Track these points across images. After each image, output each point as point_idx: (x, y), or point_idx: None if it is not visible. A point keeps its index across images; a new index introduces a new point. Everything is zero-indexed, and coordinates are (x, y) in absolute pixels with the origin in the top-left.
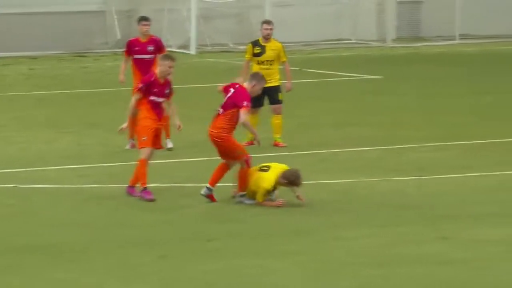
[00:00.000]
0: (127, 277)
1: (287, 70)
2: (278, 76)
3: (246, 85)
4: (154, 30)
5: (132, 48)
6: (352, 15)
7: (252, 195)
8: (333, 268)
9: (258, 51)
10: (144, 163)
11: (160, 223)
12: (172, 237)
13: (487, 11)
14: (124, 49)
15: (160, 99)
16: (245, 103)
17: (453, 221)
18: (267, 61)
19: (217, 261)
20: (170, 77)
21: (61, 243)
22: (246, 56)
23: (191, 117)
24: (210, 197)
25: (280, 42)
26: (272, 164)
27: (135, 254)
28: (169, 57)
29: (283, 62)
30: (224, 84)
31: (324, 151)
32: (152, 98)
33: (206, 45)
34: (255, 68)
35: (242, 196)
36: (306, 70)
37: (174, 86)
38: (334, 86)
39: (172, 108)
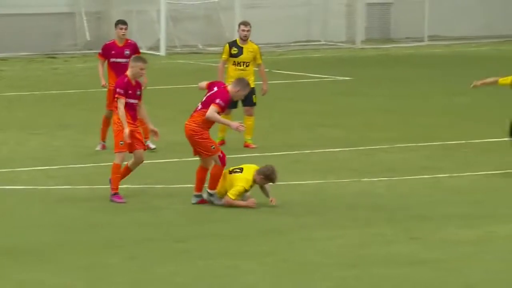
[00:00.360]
0: (95, 278)
1: (262, 72)
2: (252, 78)
3: (230, 88)
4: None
5: (109, 51)
6: (321, 17)
7: (221, 194)
8: (305, 269)
9: (235, 52)
10: (117, 167)
11: (131, 224)
12: (142, 238)
13: (455, 13)
14: (99, 52)
15: (134, 101)
16: (217, 101)
17: (424, 222)
18: (244, 62)
19: (187, 262)
20: (142, 79)
21: (30, 244)
22: (223, 56)
23: (161, 118)
24: (202, 202)
25: (256, 44)
26: (243, 166)
27: (104, 255)
28: (141, 58)
29: (259, 64)
30: (209, 81)
31: (295, 152)
32: (126, 100)
33: (176, 47)
34: (231, 69)
35: (212, 195)
36: (276, 71)
37: (146, 88)
38: (304, 88)
39: (143, 111)
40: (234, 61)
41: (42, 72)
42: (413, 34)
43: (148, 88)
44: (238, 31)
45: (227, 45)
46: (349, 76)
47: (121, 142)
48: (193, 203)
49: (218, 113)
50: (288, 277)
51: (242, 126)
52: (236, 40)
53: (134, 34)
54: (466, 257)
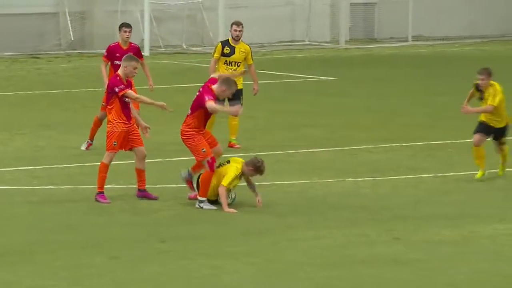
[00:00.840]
0: (77, 279)
1: (253, 72)
2: (241, 79)
3: (215, 87)
4: (106, 32)
5: (113, 54)
6: (305, 17)
7: (215, 190)
8: (288, 270)
9: (227, 51)
10: (104, 167)
11: (114, 224)
12: (126, 239)
13: (439, 13)
14: (104, 54)
15: (127, 100)
16: (207, 98)
17: (408, 222)
18: (235, 62)
19: (169, 263)
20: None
21: (13, 244)
22: (215, 55)
23: (145, 119)
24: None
25: (248, 45)
26: (230, 158)
27: (87, 256)
28: (134, 58)
29: (250, 65)
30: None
31: (279, 152)
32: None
33: (160, 47)
34: (222, 68)
35: (201, 202)
36: (260, 71)
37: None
38: (288, 88)
39: (133, 110)
40: (226, 61)
41: (26, 72)
42: (397, 34)
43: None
44: (230, 31)
45: (220, 44)
46: (334, 76)
47: (114, 143)
48: (204, 208)
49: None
50: (272, 277)
51: (241, 108)
52: (228, 40)
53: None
54: (449, 257)
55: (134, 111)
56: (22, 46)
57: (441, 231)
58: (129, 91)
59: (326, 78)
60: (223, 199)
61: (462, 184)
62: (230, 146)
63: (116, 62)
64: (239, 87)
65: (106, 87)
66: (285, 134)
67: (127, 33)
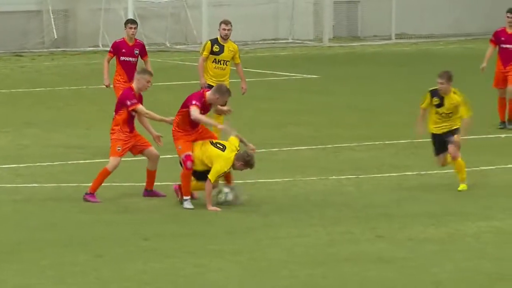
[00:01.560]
0: (61, 277)
1: (241, 71)
2: (228, 77)
3: (208, 93)
4: (90, 30)
5: (119, 49)
6: (289, 15)
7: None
8: (272, 268)
9: (217, 50)
10: (105, 172)
11: (98, 222)
12: (110, 237)
13: (422, 11)
14: (109, 50)
15: (133, 113)
16: (193, 102)
17: (391, 220)
18: (224, 60)
19: (154, 261)
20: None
21: None
22: (204, 53)
23: None
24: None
25: (236, 44)
26: (225, 143)
27: (71, 254)
28: (147, 72)
29: (237, 64)
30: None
31: (262, 150)
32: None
33: None
34: (210, 66)
35: (185, 200)
36: (244, 69)
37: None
38: (272, 86)
39: (146, 121)
40: (215, 59)
41: (9, 70)
42: (380, 32)
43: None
44: (218, 29)
45: (209, 42)
46: (317, 74)
47: (118, 148)
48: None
49: (201, 113)
50: (256, 275)
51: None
52: (217, 38)
53: (102, 32)
54: (434, 255)
55: (146, 122)
56: (5, 44)
57: (425, 229)
58: (140, 107)
59: (309, 76)
60: (207, 196)
61: (445, 182)
62: None
63: (123, 58)
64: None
65: (117, 97)
66: (269, 132)
67: (133, 29)
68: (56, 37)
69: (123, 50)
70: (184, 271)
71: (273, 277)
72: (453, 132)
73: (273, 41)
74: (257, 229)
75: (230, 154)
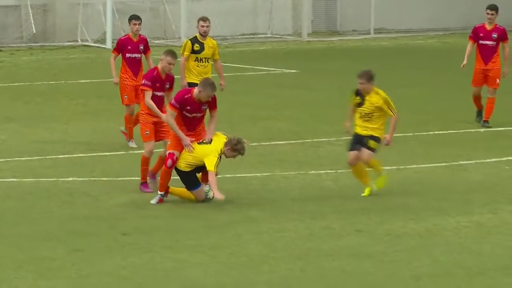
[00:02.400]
0: (39, 272)
1: (220, 68)
2: (210, 74)
3: (195, 91)
4: (69, 25)
5: (124, 46)
6: (267, 10)
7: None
8: (252, 262)
9: (197, 48)
10: (144, 159)
11: (76, 217)
12: (88, 231)
13: (401, 6)
14: (114, 47)
15: (160, 93)
16: (171, 101)
17: (371, 215)
18: (205, 58)
19: (133, 256)
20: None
21: None
22: (185, 53)
23: (110, 111)
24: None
25: (214, 39)
26: (213, 137)
27: (49, 249)
28: (170, 53)
29: (216, 60)
30: None
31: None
32: (153, 93)
33: None
34: (193, 65)
35: (162, 195)
36: (222, 64)
37: (90, 80)
38: (251, 80)
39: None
40: (197, 58)
41: None
42: (359, 27)
43: (94, 81)
44: (197, 27)
45: (189, 41)
46: (296, 69)
47: (146, 132)
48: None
49: (189, 111)
50: (235, 269)
51: (191, 147)
52: (196, 36)
53: (80, 27)
54: (413, 249)
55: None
56: None
57: (405, 223)
58: (147, 92)
59: (288, 70)
60: (214, 186)
61: (424, 177)
62: None
63: (128, 55)
64: None
65: (121, 94)
66: (247, 127)
67: (137, 26)
68: (34, 32)
69: (129, 47)
70: (163, 266)
71: (253, 271)
72: (372, 138)
73: (251, 36)
74: (236, 223)
75: (217, 144)
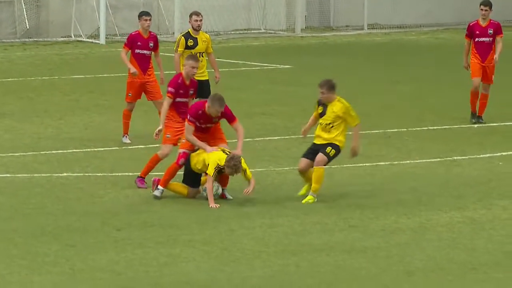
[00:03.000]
0: (33, 267)
1: (214, 61)
2: (205, 68)
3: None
4: (62, 20)
5: (134, 42)
6: (261, 5)
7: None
8: (245, 257)
9: (191, 44)
10: (156, 159)
11: (69, 212)
12: (81, 227)
13: (395, 1)
14: (124, 43)
15: (184, 100)
16: (188, 117)
17: (364, 210)
18: (199, 53)
19: (126, 251)
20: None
21: None
22: (179, 49)
23: (101, 107)
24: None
25: (207, 33)
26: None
27: (42, 244)
28: (192, 57)
29: (209, 53)
30: None
31: (234, 140)
32: (177, 99)
33: (116, 35)
34: None
35: (157, 189)
36: (216, 59)
37: (84, 76)
38: (244, 76)
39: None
40: (191, 53)
41: None
42: (353, 22)
43: (88, 76)
44: (190, 22)
45: (183, 37)
46: (289, 64)
47: (167, 135)
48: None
49: (202, 123)
50: (228, 265)
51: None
52: (189, 32)
53: (73, 22)
54: (406, 245)
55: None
56: None
57: (398, 219)
58: (167, 98)
59: (282, 66)
60: (209, 195)
61: (418, 172)
62: None
63: (138, 51)
64: (204, 78)
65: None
66: (241, 123)
67: (148, 22)
68: (28, 27)
69: (139, 43)
70: (156, 261)
71: (246, 267)
72: (331, 145)
73: (245, 31)
74: (230, 219)
75: (220, 155)
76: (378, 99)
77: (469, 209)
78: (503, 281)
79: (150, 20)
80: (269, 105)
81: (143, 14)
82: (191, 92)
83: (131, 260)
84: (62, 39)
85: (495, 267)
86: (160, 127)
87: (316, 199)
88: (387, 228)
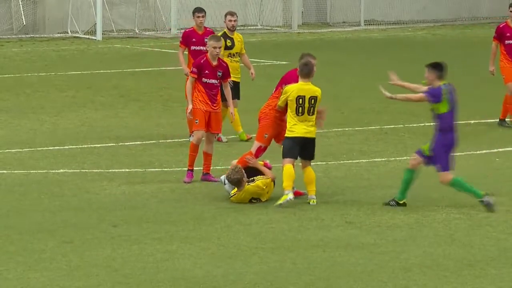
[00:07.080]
0: (29, 263)
1: (247, 60)
2: (239, 73)
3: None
4: (59, 16)
5: (189, 39)
6: (258, 1)
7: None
8: (241, 254)
9: (230, 44)
10: (193, 147)
11: (66, 209)
12: (78, 223)
13: None
14: (180, 40)
15: (212, 81)
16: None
17: (361, 206)
18: (237, 53)
19: (122, 247)
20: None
21: None
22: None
23: (97, 103)
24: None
25: (240, 34)
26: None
27: (39, 240)
28: (214, 37)
29: (242, 54)
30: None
31: (232, 137)
32: (203, 80)
33: (112, 31)
34: (226, 61)
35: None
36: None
37: (81, 72)
38: (241, 72)
39: (227, 93)
40: (230, 53)
41: None
42: (349, 18)
43: (84, 72)
44: (224, 21)
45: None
46: (286, 60)
47: (196, 121)
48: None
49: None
50: (225, 261)
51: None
52: (225, 32)
53: (70, 18)
54: (403, 241)
55: (227, 94)
56: None
57: (394, 215)
58: (190, 78)
59: (278, 62)
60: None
61: None
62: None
63: (193, 47)
64: (237, 80)
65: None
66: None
67: (201, 18)
68: (24, 23)
69: (193, 40)
70: (153, 258)
71: (242, 263)
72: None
73: (242, 27)
74: (226, 215)
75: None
76: (375, 95)
77: (465, 205)
78: (499, 277)
79: (203, 16)
80: (265, 101)
81: (196, 11)
82: (219, 73)
83: (127, 256)
84: (58, 35)
85: (491, 263)
86: (190, 106)
87: (289, 197)
88: (383, 224)
